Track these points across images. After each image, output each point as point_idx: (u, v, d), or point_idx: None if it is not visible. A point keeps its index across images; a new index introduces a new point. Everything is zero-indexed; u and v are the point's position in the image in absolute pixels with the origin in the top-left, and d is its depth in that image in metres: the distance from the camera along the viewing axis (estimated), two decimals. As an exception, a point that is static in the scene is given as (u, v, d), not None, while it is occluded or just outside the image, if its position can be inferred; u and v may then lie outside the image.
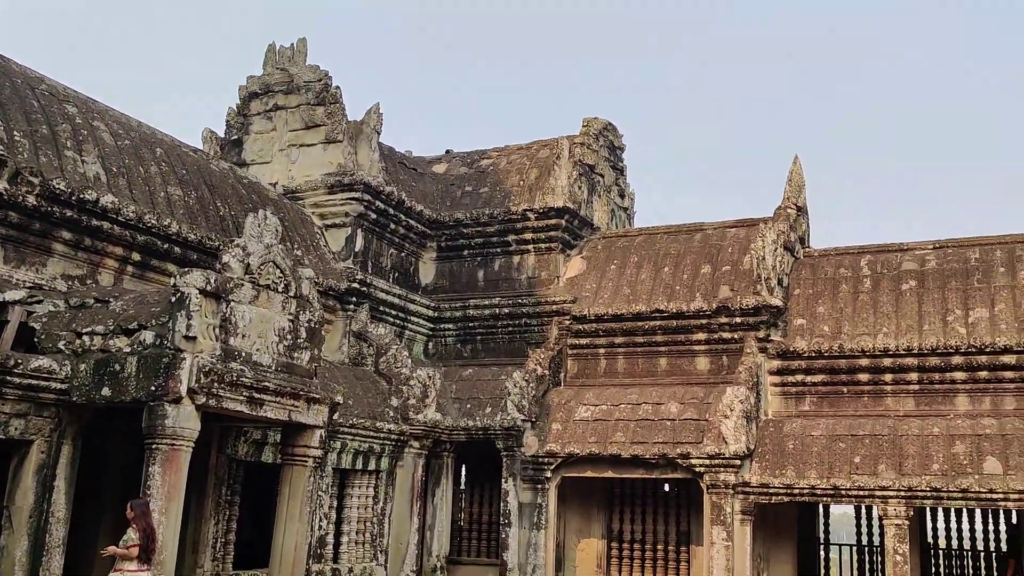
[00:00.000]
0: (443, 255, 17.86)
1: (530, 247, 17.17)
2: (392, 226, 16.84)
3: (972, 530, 15.90)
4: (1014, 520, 15.22)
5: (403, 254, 17.39)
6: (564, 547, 15.47)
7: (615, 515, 15.58)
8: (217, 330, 9.74)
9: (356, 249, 16.13)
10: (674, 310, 15.41)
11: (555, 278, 16.96)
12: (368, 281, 15.83)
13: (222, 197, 14.10)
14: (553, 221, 16.87)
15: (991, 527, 15.82)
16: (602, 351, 16.11)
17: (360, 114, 16.70)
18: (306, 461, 11.14)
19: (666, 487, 15.62)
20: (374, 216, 16.33)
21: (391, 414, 14.75)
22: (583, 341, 16.19)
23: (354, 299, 15.68)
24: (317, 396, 11.00)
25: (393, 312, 16.57)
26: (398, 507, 14.81)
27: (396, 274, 17.13)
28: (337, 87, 16.57)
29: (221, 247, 11.15)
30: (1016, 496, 12.32)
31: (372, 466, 14.29)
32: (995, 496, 12.46)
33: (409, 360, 15.54)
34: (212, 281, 9.70)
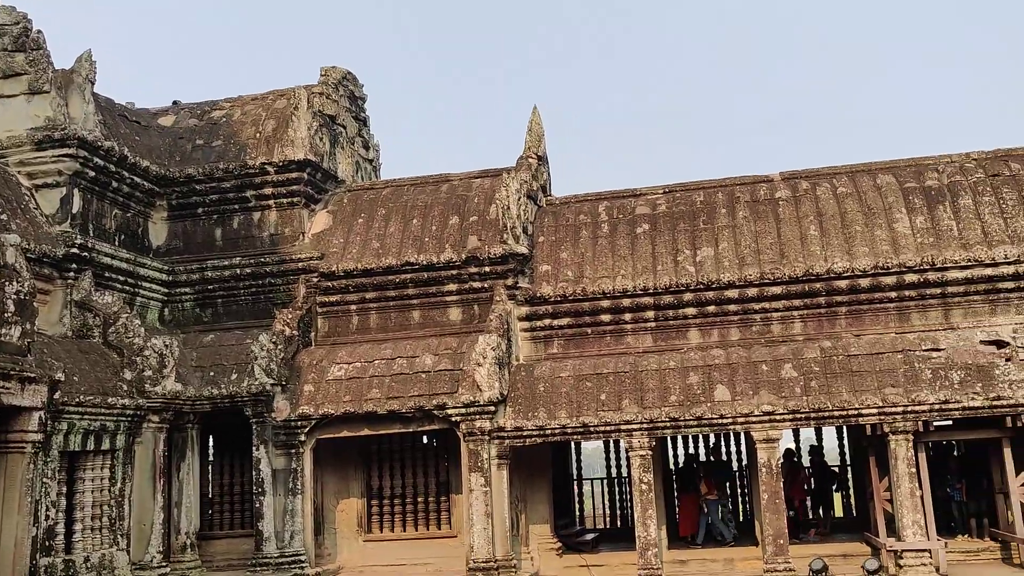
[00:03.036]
0: (176, 214, 16.61)
1: (271, 202, 16.34)
2: (115, 184, 15.42)
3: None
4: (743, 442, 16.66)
5: (129, 214, 16.00)
6: (323, 510, 15.11)
7: (374, 472, 15.39)
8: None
9: (73, 211, 14.63)
10: (424, 262, 15.30)
11: (300, 234, 16.28)
12: (89, 245, 14.43)
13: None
14: (294, 175, 16.13)
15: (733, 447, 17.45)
16: (353, 307, 15.74)
17: (71, 63, 15.08)
18: (24, 447, 10.09)
19: (424, 439, 15.64)
20: (92, 174, 14.86)
21: (125, 388, 13.64)
22: (333, 298, 15.72)
23: (74, 266, 14.26)
24: (32, 375, 9.92)
25: (121, 278, 15.25)
26: (139, 486, 13.82)
27: (123, 236, 15.75)
28: (39, 31, 14.83)
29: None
30: (743, 419, 13.41)
31: (106, 445, 13.19)
32: (724, 421, 13.50)
33: (142, 329, 14.40)
34: None
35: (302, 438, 14.30)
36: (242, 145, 16.45)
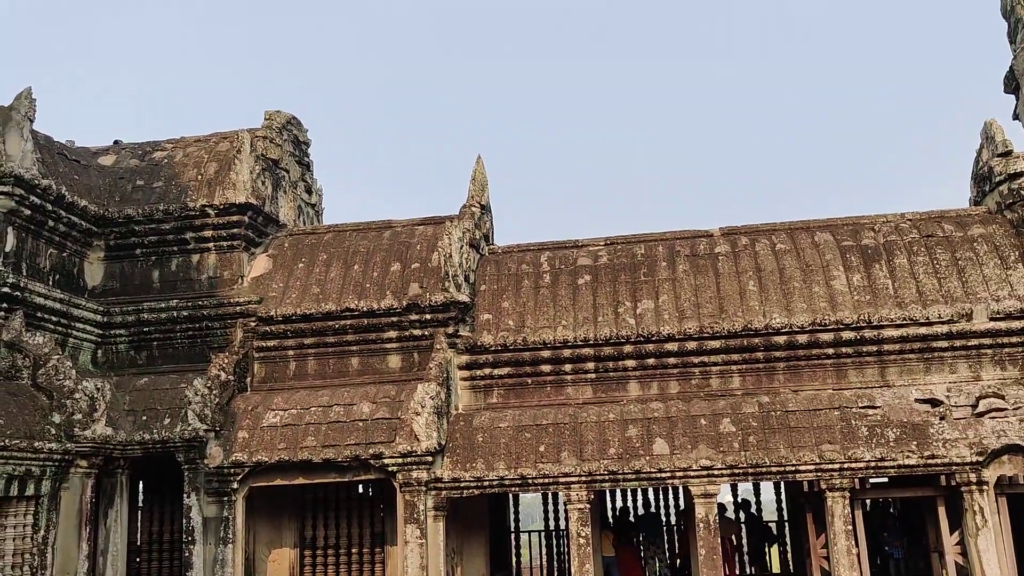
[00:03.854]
0: (113, 255, 16.30)
1: (211, 245, 16.11)
2: (51, 223, 15.12)
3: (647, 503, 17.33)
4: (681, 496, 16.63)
5: (65, 254, 15.68)
6: (254, 560, 14.74)
7: (308, 522, 15.08)
8: None
9: (7, 249, 14.30)
10: (365, 308, 15.17)
11: (239, 277, 16.07)
12: (22, 285, 14.09)
13: None
14: (235, 218, 15.95)
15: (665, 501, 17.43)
16: (291, 353, 15.52)
17: (10, 99, 14.84)
18: (-62, 495, 9.68)
19: (360, 489, 15.39)
20: (28, 212, 14.56)
21: (52, 432, 13.26)
22: (271, 343, 15.49)
23: (5, 305, 13.90)
24: (-49, 419, 9.57)
25: (54, 319, 14.89)
26: (63, 534, 13.38)
27: (57, 276, 15.41)
28: (-22, 66, 14.61)
29: None
30: (681, 473, 13.39)
31: (31, 491, 12.77)
32: (663, 475, 13.47)
33: (74, 371, 14.03)
34: None
35: (235, 486, 13.98)
36: (183, 187, 16.26)
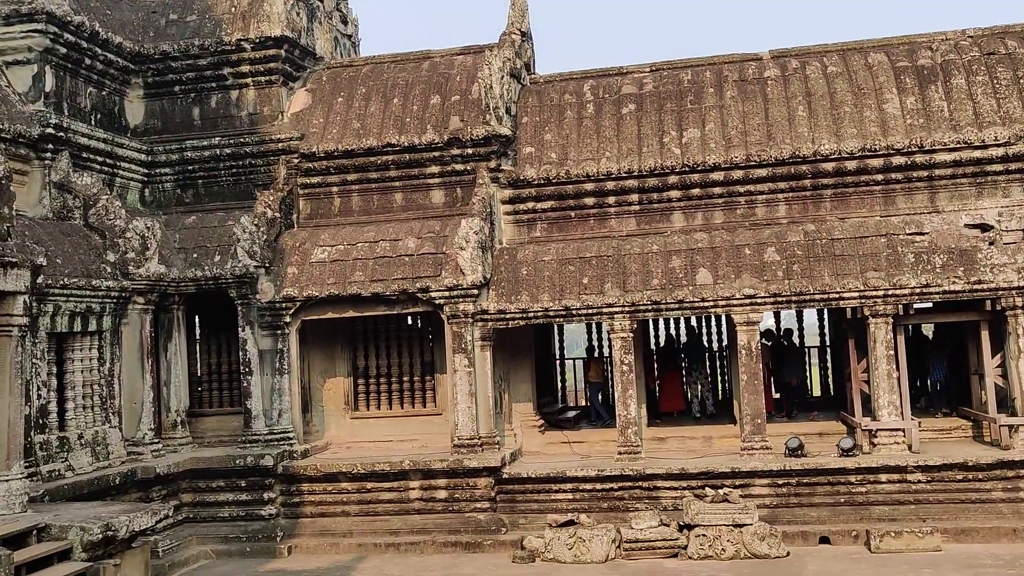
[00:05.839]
0: (152, 92, 16.20)
1: (249, 80, 15.91)
2: (88, 61, 14.97)
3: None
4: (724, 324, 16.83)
5: (104, 92, 15.61)
6: (310, 388, 15.39)
7: (360, 352, 15.59)
8: None
9: (47, 89, 14.26)
10: (406, 143, 15.06)
11: (279, 113, 15.94)
12: (65, 125, 14.13)
13: None
14: (271, 52, 15.65)
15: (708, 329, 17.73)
16: (335, 189, 15.58)
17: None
18: (10, 331, 10.12)
19: (409, 320, 15.78)
20: (64, 50, 14.40)
21: (108, 270, 13.63)
22: (314, 180, 15.54)
23: (51, 146, 14.00)
24: (14, 259, 9.86)
25: (100, 159, 15.00)
26: (128, 366, 13.99)
27: (99, 116, 15.40)
28: None
29: None
30: (724, 302, 13.52)
31: (93, 327, 13.28)
32: (706, 304, 13.61)
33: (123, 211, 14.27)
34: None
35: (287, 319, 14.41)
36: (217, 20, 15.90)
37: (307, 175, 15.50)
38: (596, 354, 17.73)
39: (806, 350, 17.73)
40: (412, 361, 15.49)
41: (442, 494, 13.67)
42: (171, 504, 12.47)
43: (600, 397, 16.93)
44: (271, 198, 15.01)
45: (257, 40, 15.54)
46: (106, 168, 15.20)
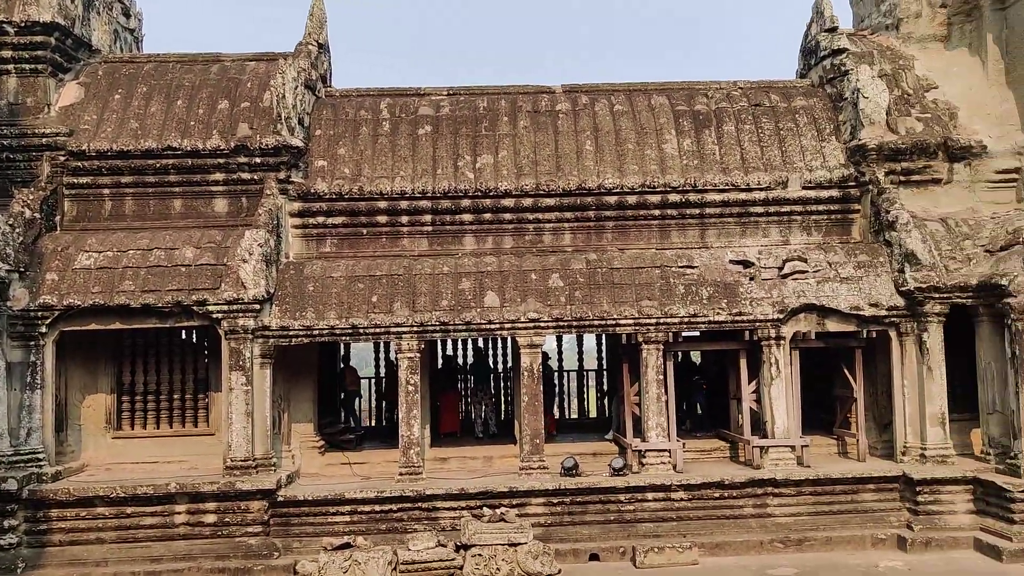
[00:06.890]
0: None
1: (10, 67, 14.50)
2: None
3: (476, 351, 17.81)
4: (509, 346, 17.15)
5: None
6: (67, 405, 14.15)
7: (126, 367, 14.53)
8: None
9: None
10: (189, 148, 14.28)
11: (45, 106, 14.66)
12: None
13: None
14: (39, 38, 14.36)
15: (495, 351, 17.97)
16: (107, 192, 14.50)
17: None
18: None
19: (183, 335, 14.91)
20: None
21: None
22: (83, 180, 14.40)
23: None
24: None
25: None
26: None
27: None
28: None
29: None
30: (510, 325, 13.75)
31: None
32: (492, 326, 13.79)
33: None
34: None
35: (43, 330, 13.20)
36: (-23, -1, 14.44)
37: (75, 174, 14.34)
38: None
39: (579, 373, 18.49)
40: (185, 378, 14.62)
41: (211, 518, 12.92)
42: None
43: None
44: (31, 197, 13.74)
45: (23, 24, 14.23)
46: None
